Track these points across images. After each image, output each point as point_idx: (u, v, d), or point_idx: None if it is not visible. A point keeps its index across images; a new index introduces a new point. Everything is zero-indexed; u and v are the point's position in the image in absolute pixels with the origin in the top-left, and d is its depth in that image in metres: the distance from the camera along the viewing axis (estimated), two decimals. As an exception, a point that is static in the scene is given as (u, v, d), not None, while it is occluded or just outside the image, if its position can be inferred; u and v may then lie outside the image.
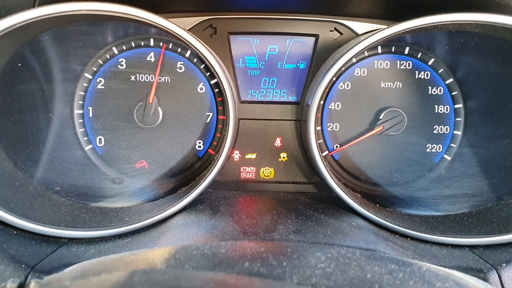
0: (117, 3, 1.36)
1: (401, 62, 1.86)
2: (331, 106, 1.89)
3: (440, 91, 1.86)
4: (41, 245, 1.36)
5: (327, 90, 1.84)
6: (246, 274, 0.75)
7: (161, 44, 1.83)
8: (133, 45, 1.83)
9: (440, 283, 0.80)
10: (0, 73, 1.40)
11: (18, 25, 1.26)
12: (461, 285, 0.82)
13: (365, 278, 0.77)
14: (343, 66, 1.57)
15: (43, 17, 1.28)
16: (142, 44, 1.83)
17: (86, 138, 1.85)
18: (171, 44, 1.83)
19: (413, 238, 1.51)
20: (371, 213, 1.58)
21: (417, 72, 1.86)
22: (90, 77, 1.82)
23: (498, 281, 1.27)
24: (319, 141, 1.82)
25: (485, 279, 1.27)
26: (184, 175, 1.91)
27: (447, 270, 0.94)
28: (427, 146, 1.89)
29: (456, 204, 1.68)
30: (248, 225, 1.45)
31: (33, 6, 1.37)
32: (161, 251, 0.90)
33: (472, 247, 1.46)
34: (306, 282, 0.73)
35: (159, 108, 1.80)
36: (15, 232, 1.35)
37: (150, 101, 1.78)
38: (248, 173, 1.96)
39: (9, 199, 1.36)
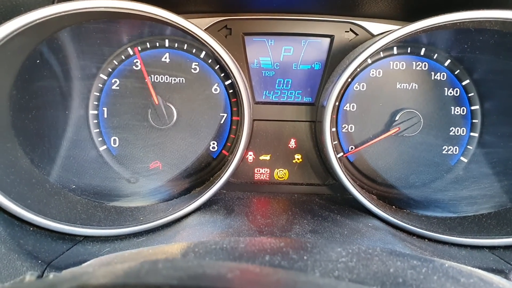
0: (135, 1, 1.37)
1: (417, 63, 1.85)
2: (346, 107, 1.88)
3: (456, 93, 1.84)
4: (57, 242, 1.36)
5: (342, 91, 1.82)
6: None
7: (176, 45, 1.83)
8: (148, 46, 1.84)
9: (464, 279, 0.78)
10: (19, 70, 1.41)
11: (37, 21, 1.27)
12: (485, 281, 0.80)
13: (388, 272, 0.76)
14: (358, 67, 1.56)
15: (62, 13, 1.29)
16: (157, 45, 1.84)
17: (101, 138, 1.86)
18: (185, 45, 1.83)
19: (431, 239, 1.50)
20: (387, 214, 1.56)
21: (433, 73, 1.84)
22: (105, 77, 1.83)
23: (520, 282, 1.25)
24: (334, 143, 1.81)
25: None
26: (198, 175, 1.90)
27: (469, 267, 0.92)
28: (443, 147, 1.87)
29: (475, 205, 1.65)
30: (263, 225, 1.44)
31: (52, 3, 1.38)
32: (180, 245, 0.89)
33: (491, 248, 1.44)
34: (329, 275, 0.72)
35: (173, 109, 1.80)
36: (31, 228, 1.36)
37: (156, 102, 1.78)
38: (262, 175, 1.95)
39: (25, 196, 1.36)
